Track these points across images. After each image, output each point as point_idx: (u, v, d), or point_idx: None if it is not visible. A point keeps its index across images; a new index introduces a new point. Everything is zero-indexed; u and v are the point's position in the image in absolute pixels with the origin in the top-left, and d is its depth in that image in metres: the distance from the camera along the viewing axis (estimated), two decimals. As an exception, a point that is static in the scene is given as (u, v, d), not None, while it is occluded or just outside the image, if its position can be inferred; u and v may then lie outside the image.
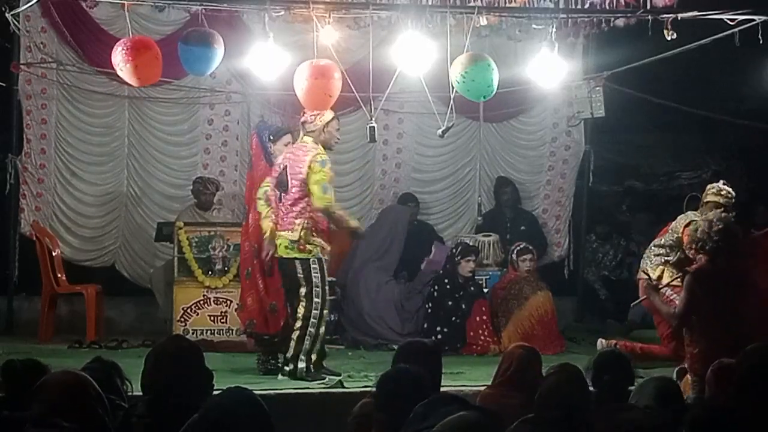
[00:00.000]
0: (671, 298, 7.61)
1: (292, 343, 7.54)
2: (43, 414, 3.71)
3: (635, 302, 8.25)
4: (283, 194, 7.61)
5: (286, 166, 7.64)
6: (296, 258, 7.54)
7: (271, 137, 8.12)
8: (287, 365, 7.57)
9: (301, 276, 7.53)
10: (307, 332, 7.52)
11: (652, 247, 8.22)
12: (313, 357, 7.62)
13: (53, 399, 3.74)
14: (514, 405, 4.62)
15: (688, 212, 8.23)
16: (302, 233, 7.49)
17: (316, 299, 7.51)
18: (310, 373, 7.56)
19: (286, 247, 7.56)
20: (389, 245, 10.05)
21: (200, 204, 10.01)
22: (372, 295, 9.73)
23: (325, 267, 7.63)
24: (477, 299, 9.61)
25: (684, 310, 6.70)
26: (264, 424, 3.56)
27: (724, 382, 4.80)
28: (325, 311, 7.64)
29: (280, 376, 7.60)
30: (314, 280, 7.52)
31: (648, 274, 7.73)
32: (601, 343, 8.32)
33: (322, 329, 7.64)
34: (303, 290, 7.53)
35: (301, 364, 7.53)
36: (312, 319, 7.52)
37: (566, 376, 4.48)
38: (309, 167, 7.48)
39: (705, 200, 7.99)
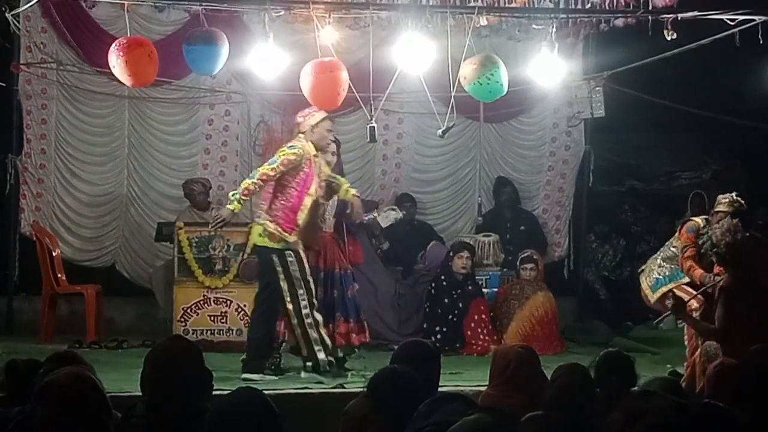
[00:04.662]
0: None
1: (302, 341, 7.60)
2: (47, 417, 3.69)
3: (658, 320, 8.06)
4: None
5: None
6: (270, 247, 7.61)
7: None
8: (308, 361, 7.62)
9: (280, 270, 7.58)
10: (306, 323, 7.57)
11: (659, 261, 8.24)
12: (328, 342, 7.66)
13: (56, 401, 3.71)
14: (515, 405, 4.60)
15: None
16: (273, 225, 7.57)
17: (300, 290, 7.56)
18: (331, 367, 7.58)
19: (260, 235, 7.69)
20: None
21: (196, 205, 10.01)
22: (369, 295, 9.71)
23: (304, 260, 7.67)
24: (475, 298, 9.60)
25: (726, 326, 6.70)
26: (273, 424, 3.57)
27: (724, 382, 4.80)
28: (315, 301, 7.65)
29: (303, 374, 7.65)
30: (293, 273, 7.57)
31: (674, 293, 7.69)
32: None
33: (318, 315, 7.66)
34: (284, 285, 7.57)
35: (321, 355, 7.57)
36: (304, 310, 7.56)
37: (575, 377, 4.52)
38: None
39: (716, 209, 7.73)
